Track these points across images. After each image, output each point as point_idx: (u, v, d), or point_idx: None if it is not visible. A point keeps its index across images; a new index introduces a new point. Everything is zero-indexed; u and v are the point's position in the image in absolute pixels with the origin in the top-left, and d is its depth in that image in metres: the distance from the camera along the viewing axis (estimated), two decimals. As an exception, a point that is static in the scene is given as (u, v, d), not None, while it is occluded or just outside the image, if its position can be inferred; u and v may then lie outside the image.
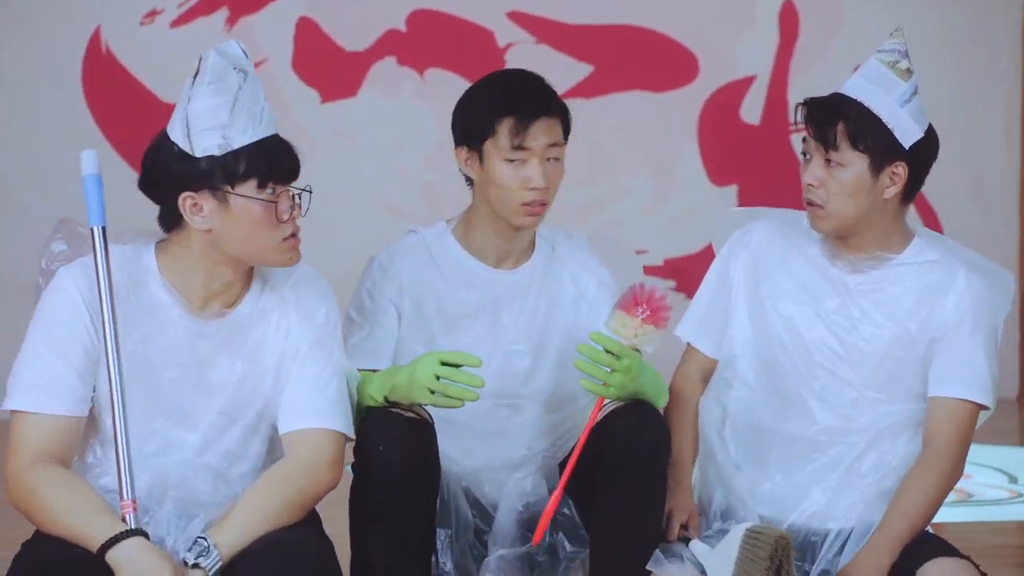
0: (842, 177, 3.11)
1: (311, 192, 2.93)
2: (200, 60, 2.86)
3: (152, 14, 6.71)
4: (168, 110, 2.89)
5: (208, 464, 2.92)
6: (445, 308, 3.26)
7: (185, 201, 2.84)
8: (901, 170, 3.11)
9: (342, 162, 6.83)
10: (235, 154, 2.83)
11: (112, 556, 2.72)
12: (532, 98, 3.20)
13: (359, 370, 3.12)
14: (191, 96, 2.84)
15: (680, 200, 7.03)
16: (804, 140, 3.17)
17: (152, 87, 6.69)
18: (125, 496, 2.79)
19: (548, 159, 3.19)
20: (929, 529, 3.18)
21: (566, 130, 3.23)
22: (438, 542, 3.17)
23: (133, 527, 2.76)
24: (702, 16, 6.97)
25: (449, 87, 7.00)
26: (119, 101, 6.70)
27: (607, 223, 6.79)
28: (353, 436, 2.97)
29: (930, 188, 3.27)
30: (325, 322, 2.96)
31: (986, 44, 7.01)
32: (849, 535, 3.16)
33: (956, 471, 3.13)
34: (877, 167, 3.10)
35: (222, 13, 6.75)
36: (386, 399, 3.05)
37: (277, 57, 6.77)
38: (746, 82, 7.03)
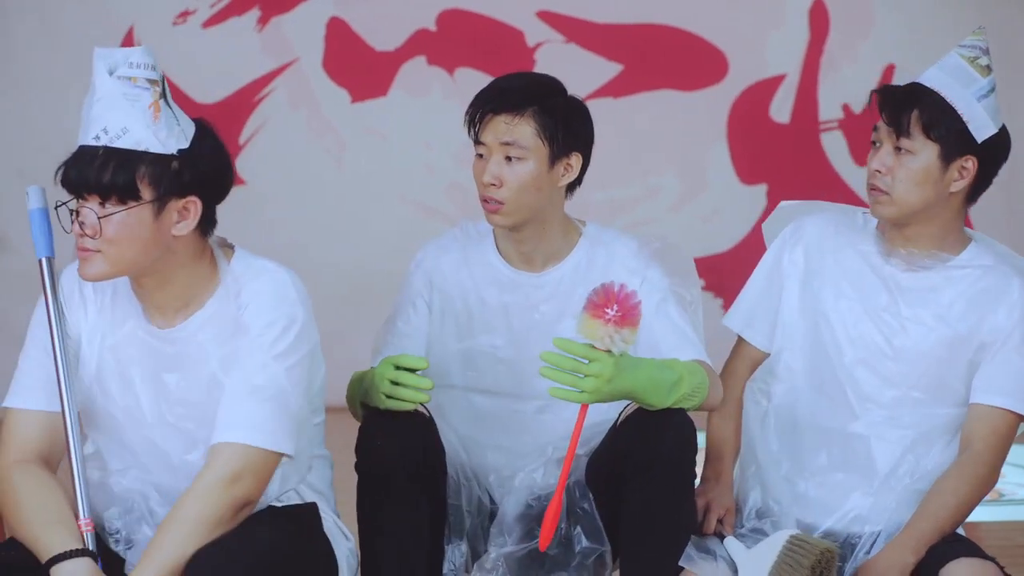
0: (911, 165, 3.10)
1: (100, 217, 2.80)
2: None
3: (184, 14, 6.73)
4: (201, 110, 2.90)
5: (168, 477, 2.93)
6: (470, 307, 3.28)
7: None
8: (971, 164, 3.11)
9: (372, 160, 6.85)
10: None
11: (56, 571, 2.73)
12: (499, 94, 3.20)
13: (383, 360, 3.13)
14: None
15: (709, 199, 7.02)
16: (875, 128, 3.16)
17: (184, 87, 6.72)
18: (82, 515, 2.82)
19: (509, 158, 3.17)
20: (960, 530, 3.18)
21: (552, 135, 3.18)
22: (450, 518, 3.19)
23: (85, 547, 2.77)
24: (731, 15, 6.97)
25: (479, 86, 6.98)
26: (151, 101, 6.73)
27: (636, 222, 6.80)
28: (281, 449, 2.85)
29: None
30: (262, 332, 2.86)
31: (1014, 46, 6.99)
32: (879, 535, 3.16)
33: (991, 479, 3.13)
34: (947, 158, 3.10)
35: (253, 13, 6.78)
36: (363, 404, 3.10)
37: (308, 57, 6.79)
38: (775, 81, 7.02)
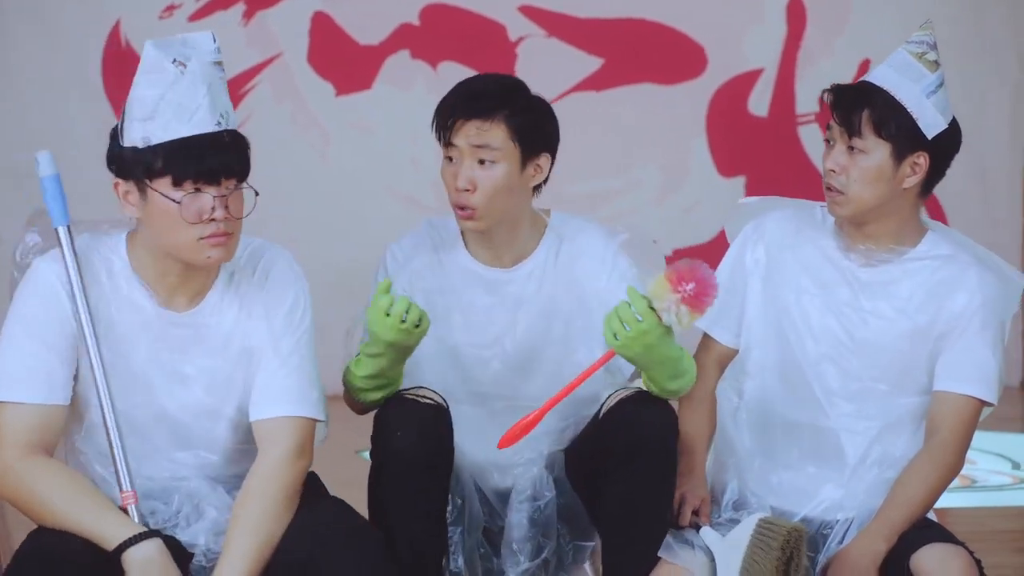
0: (864, 164, 3.13)
1: (257, 193, 2.89)
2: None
3: (171, 8, 6.77)
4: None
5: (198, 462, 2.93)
6: (449, 307, 3.24)
7: (117, 187, 2.84)
8: (923, 160, 3.14)
9: (356, 154, 6.90)
10: (154, 149, 2.77)
11: (129, 556, 2.73)
12: (467, 98, 3.16)
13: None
14: (134, 83, 2.82)
15: (689, 192, 7.09)
16: (828, 127, 3.19)
17: (170, 80, 6.77)
18: (124, 487, 2.81)
19: (481, 161, 3.15)
20: (931, 515, 3.23)
21: (523, 138, 3.15)
22: (451, 542, 3.18)
23: (149, 528, 2.77)
24: (711, 10, 7.04)
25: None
26: (138, 94, 6.76)
27: (617, 214, 6.85)
28: (321, 417, 2.92)
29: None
30: (291, 309, 2.93)
31: (990, 40, 7.06)
32: (851, 523, 3.18)
33: (957, 464, 3.16)
34: (899, 156, 3.12)
35: (239, 7, 6.82)
36: (372, 376, 3.06)
37: (293, 51, 6.84)
38: (754, 75, 7.09)
